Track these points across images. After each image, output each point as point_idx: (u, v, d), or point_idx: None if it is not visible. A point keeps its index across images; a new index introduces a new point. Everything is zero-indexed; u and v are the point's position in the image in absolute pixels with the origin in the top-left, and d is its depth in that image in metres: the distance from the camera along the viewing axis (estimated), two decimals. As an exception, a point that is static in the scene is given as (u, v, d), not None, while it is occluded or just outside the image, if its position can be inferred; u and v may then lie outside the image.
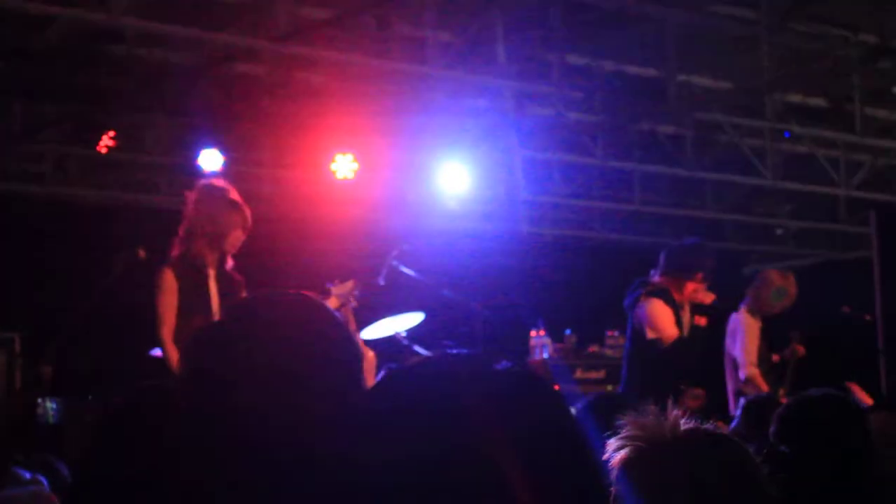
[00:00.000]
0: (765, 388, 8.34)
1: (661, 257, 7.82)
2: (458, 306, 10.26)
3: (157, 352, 7.52)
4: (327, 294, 7.20)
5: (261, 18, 9.54)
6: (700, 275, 7.65)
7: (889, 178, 14.52)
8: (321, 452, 1.83)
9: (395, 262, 9.33)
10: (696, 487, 1.87)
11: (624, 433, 1.94)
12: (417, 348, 9.36)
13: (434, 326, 9.55)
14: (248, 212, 6.69)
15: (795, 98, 12.65)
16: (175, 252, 6.58)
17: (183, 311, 6.42)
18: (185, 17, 9.26)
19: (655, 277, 7.73)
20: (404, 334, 9.28)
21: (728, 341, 8.88)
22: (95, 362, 8.39)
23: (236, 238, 6.63)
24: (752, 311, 8.76)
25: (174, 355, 6.25)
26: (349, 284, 7.34)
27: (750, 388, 8.24)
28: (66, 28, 9.65)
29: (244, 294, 6.65)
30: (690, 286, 7.62)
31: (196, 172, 10.88)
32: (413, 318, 9.34)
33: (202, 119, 10.98)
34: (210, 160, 10.73)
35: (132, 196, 12.05)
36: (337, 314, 2.08)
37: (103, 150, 10.62)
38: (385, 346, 8.84)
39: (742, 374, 8.56)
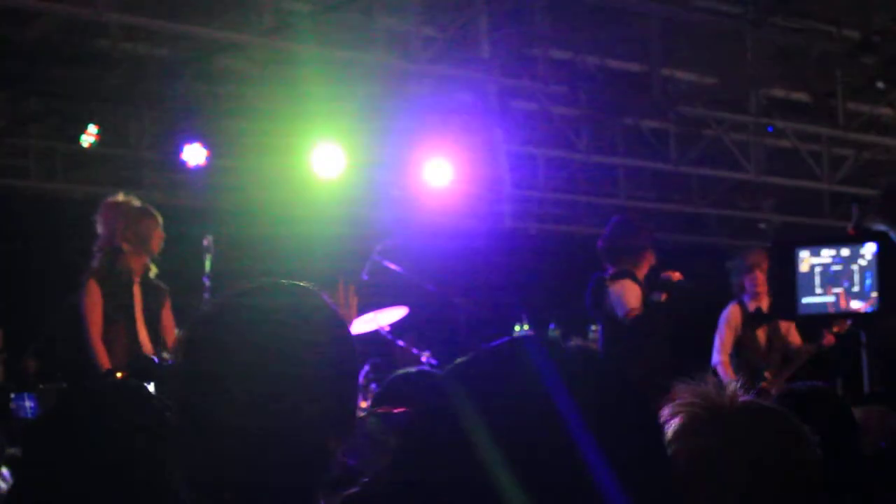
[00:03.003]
0: (731, 377, 8.26)
1: (602, 250, 7.72)
2: (442, 301, 10.27)
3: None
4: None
5: (245, 13, 9.53)
6: (649, 245, 7.66)
7: (872, 172, 14.57)
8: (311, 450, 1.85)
9: (378, 257, 9.34)
10: (751, 459, 1.87)
11: (680, 400, 1.93)
12: (400, 342, 9.38)
13: (417, 321, 9.57)
14: (158, 214, 7.10)
15: (779, 93, 12.68)
16: (96, 264, 6.92)
17: (107, 318, 6.79)
18: (168, 12, 9.25)
19: (611, 270, 7.68)
20: (388, 328, 9.29)
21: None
22: (80, 357, 8.35)
23: (159, 238, 7.05)
24: (740, 301, 8.72)
25: (103, 356, 6.66)
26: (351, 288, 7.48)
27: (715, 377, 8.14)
28: (50, 23, 9.64)
29: (168, 303, 7.10)
30: (647, 259, 7.62)
31: (180, 166, 10.88)
32: (397, 313, 9.35)
33: (186, 113, 10.97)
34: (194, 154, 10.72)
35: (116, 190, 12.01)
36: (333, 304, 2.06)
37: (86, 145, 10.60)
38: (369, 341, 8.85)
39: (713, 362, 8.55)
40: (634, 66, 11.66)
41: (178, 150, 10.77)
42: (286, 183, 11.48)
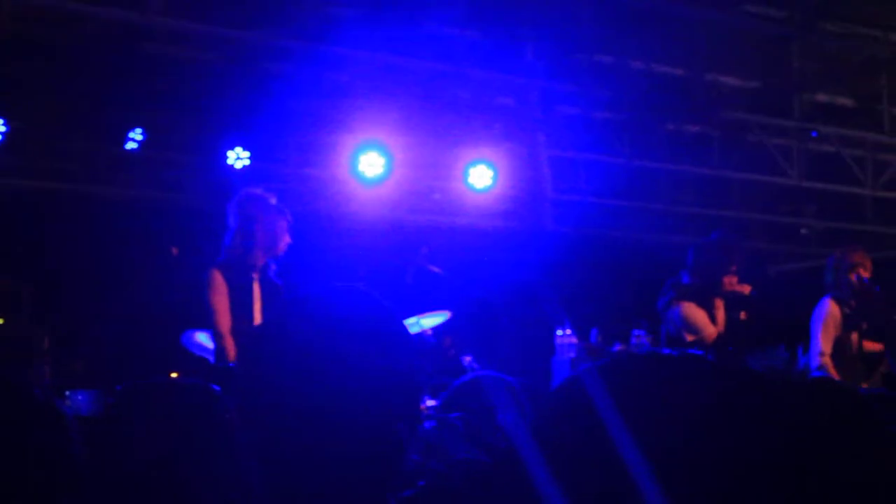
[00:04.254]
0: (835, 377, 8.05)
1: (689, 256, 7.78)
2: (484, 305, 10.28)
3: (192, 339, 7.63)
4: None
5: (290, 16, 9.57)
6: (734, 267, 7.62)
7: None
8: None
9: (422, 261, 9.35)
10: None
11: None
12: (447, 347, 9.39)
13: (460, 325, 9.58)
14: (289, 214, 6.96)
15: (823, 97, 12.61)
16: (221, 258, 6.81)
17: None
18: (214, 16, 9.30)
19: (686, 278, 7.71)
20: (430, 332, 9.30)
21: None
22: (125, 357, 8.43)
23: (282, 241, 6.91)
24: (836, 297, 8.38)
25: (231, 348, 6.55)
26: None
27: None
28: (97, 26, 9.71)
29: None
30: (726, 281, 7.60)
31: (224, 170, 10.93)
32: (439, 317, 9.35)
33: (230, 117, 11.02)
34: (237, 159, 10.77)
35: (159, 194, 12.08)
36: (393, 308, 2.07)
37: (132, 147, 10.66)
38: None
39: (812, 365, 8.23)
40: (678, 71, 11.62)
41: (222, 153, 10.83)
42: (329, 186, 11.51)
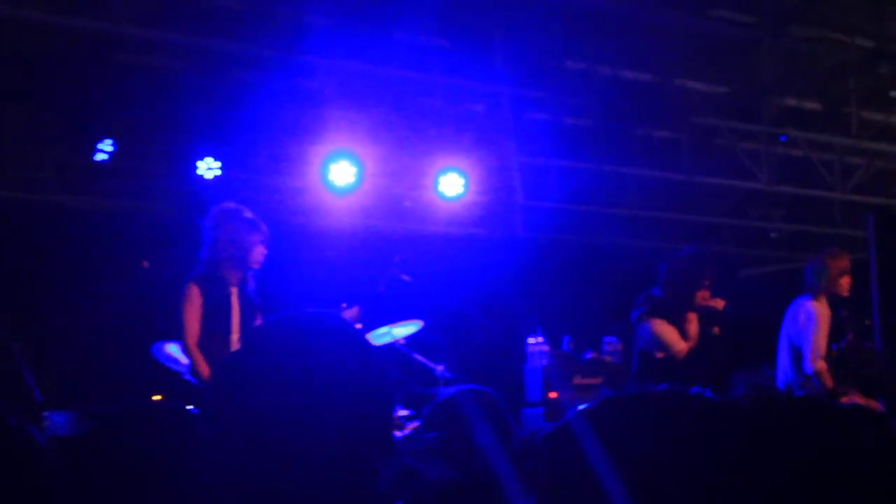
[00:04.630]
0: (830, 384, 8.00)
1: (661, 270, 7.78)
2: (457, 313, 10.28)
3: (162, 351, 7.60)
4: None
5: (261, 26, 9.54)
6: (706, 282, 7.65)
7: (885, 181, 14.55)
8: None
9: (395, 270, 9.35)
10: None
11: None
12: (417, 356, 9.37)
13: (433, 333, 9.57)
14: (265, 227, 7.02)
15: (791, 102, 12.67)
16: (198, 272, 6.87)
17: (204, 328, 6.73)
18: (185, 26, 9.26)
19: (657, 292, 7.73)
20: (404, 341, 9.29)
21: (790, 329, 8.36)
22: (97, 370, 8.38)
23: (259, 254, 6.98)
24: (821, 299, 8.30)
25: (201, 363, 6.61)
26: (354, 311, 7.53)
27: (812, 384, 7.96)
28: (66, 36, 9.64)
29: (259, 317, 7.00)
30: (699, 296, 7.63)
31: (194, 179, 10.88)
32: (412, 326, 9.35)
33: (200, 127, 10.97)
34: (209, 168, 10.73)
35: (130, 203, 12.01)
36: (364, 336, 2.07)
37: (102, 158, 10.59)
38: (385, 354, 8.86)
39: (808, 368, 8.17)
40: (647, 77, 11.66)
41: (193, 163, 10.78)
42: (301, 196, 11.47)
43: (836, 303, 8.38)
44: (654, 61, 11.12)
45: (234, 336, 6.78)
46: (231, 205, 7.03)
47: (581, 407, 1.50)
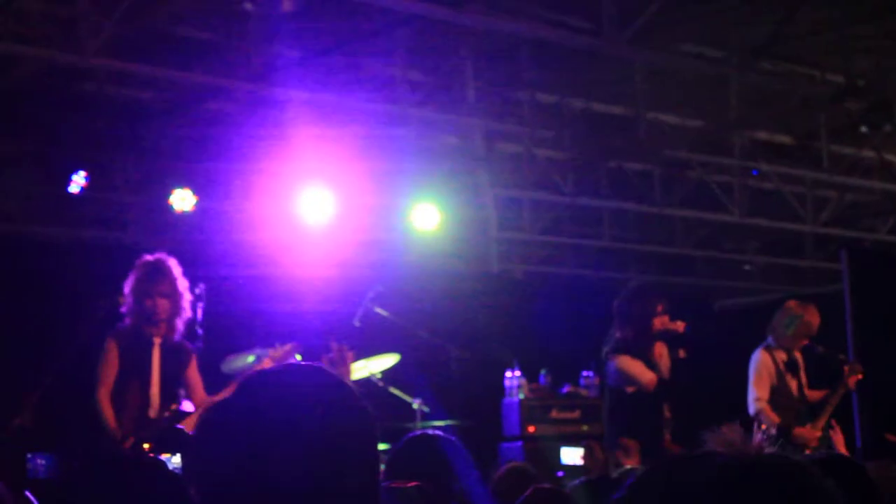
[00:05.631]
0: (775, 420, 8.20)
1: (614, 309, 7.80)
2: (433, 347, 10.24)
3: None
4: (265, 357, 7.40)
5: (232, 56, 9.51)
6: (659, 308, 7.67)
7: (855, 214, 14.65)
8: None
9: (370, 304, 9.31)
10: None
11: (706, 448, 1.90)
12: (393, 390, 9.32)
13: (409, 368, 9.53)
14: (174, 280, 6.97)
15: (763, 135, 12.74)
16: (119, 326, 7.00)
17: (122, 377, 6.84)
18: (155, 57, 9.22)
19: (618, 333, 7.74)
20: (380, 376, 9.24)
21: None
22: (74, 416, 8.25)
23: (152, 307, 6.92)
24: (769, 347, 8.58)
25: (109, 414, 6.74)
26: (287, 347, 7.42)
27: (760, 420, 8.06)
28: (36, 66, 9.59)
29: (193, 363, 7.06)
30: (656, 323, 7.64)
31: (167, 210, 10.82)
32: (388, 360, 9.31)
33: (173, 156, 10.93)
34: (182, 200, 10.68)
35: (101, 235, 11.92)
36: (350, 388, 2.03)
37: (75, 191, 10.51)
38: (361, 389, 8.79)
39: (751, 410, 8.37)
40: (619, 110, 11.70)
41: (165, 193, 10.73)
42: (274, 226, 11.43)
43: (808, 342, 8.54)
44: (625, 95, 11.16)
45: (154, 389, 6.80)
46: (152, 260, 7.04)
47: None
